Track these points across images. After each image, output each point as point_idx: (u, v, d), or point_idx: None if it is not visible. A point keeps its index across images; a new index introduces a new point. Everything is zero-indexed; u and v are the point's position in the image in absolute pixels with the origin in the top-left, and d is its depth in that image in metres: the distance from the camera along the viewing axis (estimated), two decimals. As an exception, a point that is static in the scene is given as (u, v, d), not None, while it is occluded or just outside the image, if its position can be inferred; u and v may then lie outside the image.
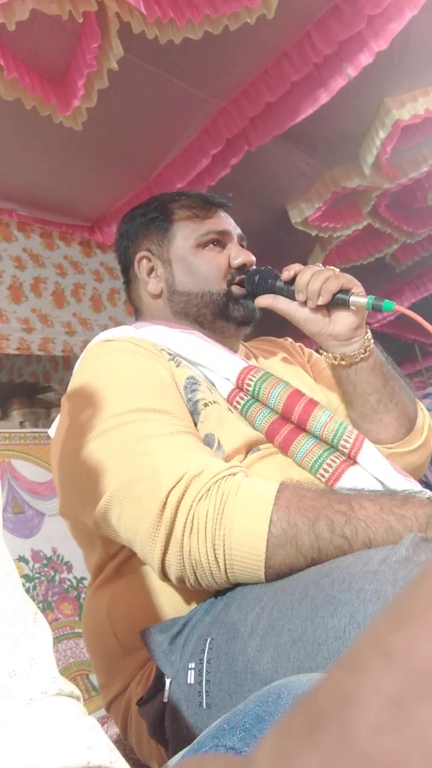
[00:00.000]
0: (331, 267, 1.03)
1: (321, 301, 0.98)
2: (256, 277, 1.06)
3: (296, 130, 2.61)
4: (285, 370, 1.14)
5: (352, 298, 0.97)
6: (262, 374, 0.95)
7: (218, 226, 1.10)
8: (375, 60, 2.33)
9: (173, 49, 2.04)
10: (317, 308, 1.00)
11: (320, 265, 1.03)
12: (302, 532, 0.70)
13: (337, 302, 0.99)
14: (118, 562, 0.89)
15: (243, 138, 2.65)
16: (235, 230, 1.13)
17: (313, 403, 0.92)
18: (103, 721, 1.15)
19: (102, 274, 3.32)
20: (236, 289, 1.08)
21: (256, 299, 1.06)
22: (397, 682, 0.18)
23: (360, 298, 0.97)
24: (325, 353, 1.05)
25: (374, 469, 0.87)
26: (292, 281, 1.02)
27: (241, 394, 0.95)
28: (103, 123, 2.43)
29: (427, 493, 0.79)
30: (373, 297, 0.97)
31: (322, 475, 0.86)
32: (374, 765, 0.17)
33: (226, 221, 1.12)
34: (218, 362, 0.98)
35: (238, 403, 0.95)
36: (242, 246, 1.13)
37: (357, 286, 1.00)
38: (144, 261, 1.13)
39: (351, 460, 0.88)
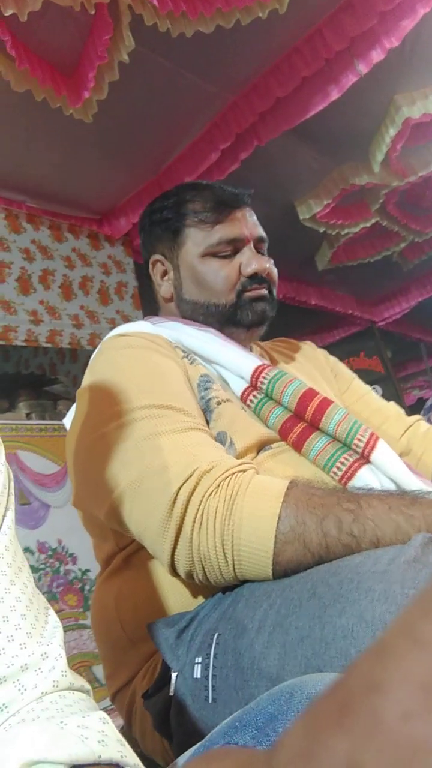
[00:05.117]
0: None
1: None
2: None
3: (306, 126, 2.61)
4: (300, 370, 1.14)
5: None
6: (276, 372, 0.95)
7: (230, 233, 1.05)
8: (386, 57, 2.32)
9: (185, 43, 2.04)
10: None
11: None
12: (310, 529, 0.70)
13: None
14: (127, 553, 0.89)
15: (253, 133, 2.64)
16: (253, 232, 1.08)
17: (326, 402, 0.92)
18: (107, 713, 1.15)
19: (110, 267, 3.32)
20: (249, 294, 1.05)
21: None
22: (427, 668, 0.18)
23: None
24: None
25: (388, 469, 0.87)
26: None
27: (255, 393, 0.95)
28: (114, 116, 2.42)
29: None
30: None
31: (335, 474, 0.86)
32: (404, 749, 0.17)
33: (241, 224, 1.07)
34: (232, 360, 0.97)
35: (251, 401, 0.95)
36: (259, 250, 1.09)
37: None
38: (158, 264, 1.12)
39: (364, 459, 0.88)
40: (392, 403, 1.22)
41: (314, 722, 0.20)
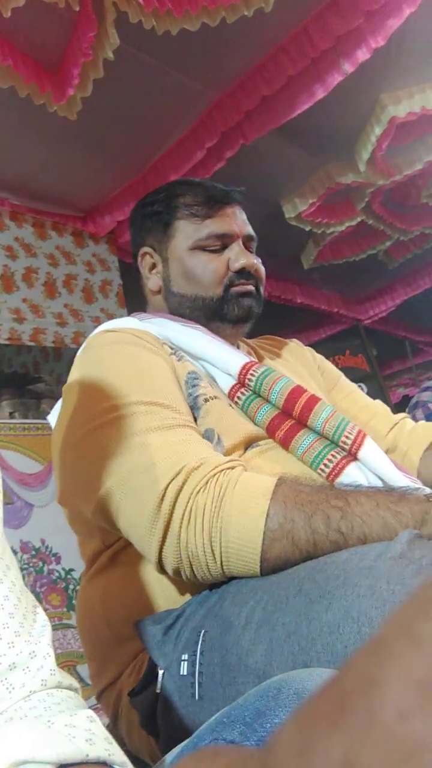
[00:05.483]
0: None
1: None
2: None
3: (292, 124, 2.61)
4: (288, 368, 1.14)
5: None
6: (264, 370, 0.96)
7: (220, 228, 1.06)
8: (372, 56, 2.33)
9: (170, 40, 2.03)
10: None
11: None
12: (298, 526, 0.70)
13: None
14: (113, 551, 0.89)
15: (238, 131, 2.64)
16: (242, 229, 1.09)
17: (314, 399, 0.92)
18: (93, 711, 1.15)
19: (94, 265, 3.31)
20: (236, 289, 1.05)
21: None
22: (424, 666, 0.18)
23: None
24: None
25: (375, 466, 0.87)
26: None
27: (243, 390, 0.95)
28: (98, 113, 2.41)
29: (425, 490, 0.80)
30: None
31: (323, 471, 0.86)
32: (400, 748, 0.17)
33: (231, 220, 1.07)
34: (220, 357, 0.97)
35: (239, 398, 0.95)
36: (248, 248, 1.10)
37: None
38: (147, 257, 1.12)
39: (352, 456, 0.88)
40: (378, 401, 1.23)
41: (309, 721, 0.20)
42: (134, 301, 1.20)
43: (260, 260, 1.10)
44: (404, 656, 0.19)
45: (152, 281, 1.11)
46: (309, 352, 1.29)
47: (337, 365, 1.30)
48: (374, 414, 1.17)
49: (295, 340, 1.31)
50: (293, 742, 0.20)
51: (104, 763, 0.39)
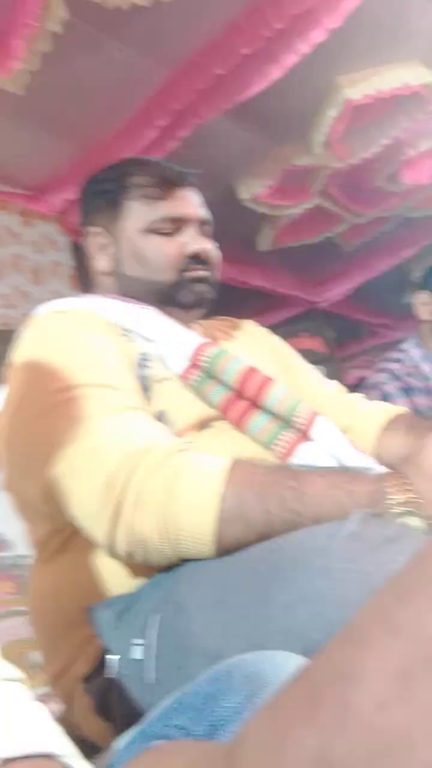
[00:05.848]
0: None
1: None
2: None
3: (247, 105, 2.58)
4: (242, 349, 1.13)
5: None
6: (218, 351, 0.94)
7: (174, 211, 1.03)
8: (328, 37, 2.31)
9: (121, 15, 1.98)
10: None
11: None
12: (252, 508, 0.70)
13: None
14: (63, 536, 0.87)
15: (192, 111, 2.60)
16: (197, 213, 1.06)
17: (267, 380, 0.92)
18: (45, 699, 1.14)
19: (43, 245, 3.22)
20: (189, 274, 1.03)
21: None
22: (404, 656, 0.17)
23: None
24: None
25: (328, 445, 0.88)
26: None
27: (196, 371, 0.93)
28: (48, 89, 2.34)
29: (378, 469, 0.80)
30: None
31: (276, 451, 0.86)
32: (379, 741, 0.16)
33: (185, 203, 1.05)
34: (172, 338, 0.96)
35: (192, 380, 0.93)
36: (203, 231, 1.07)
37: None
38: (97, 237, 1.08)
39: (305, 436, 0.88)
40: (334, 382, 1.23)
41: (280, 714, 0.19)
42: (88, 283, 1.17)
43: (215, 245, 1.08)
44: (382, 645, 0.18)
45: (102, 262, 1.08)
46: (263, 332, 1.28)
47: (295, 347, 1.30)
48: (328, 395, 1.17)
49: (250, 321, 1.30)
50: (264, 737, 0.18)
51: (50, 756, 0.37)
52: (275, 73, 2.44)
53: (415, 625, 0.18)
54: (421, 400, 1.69)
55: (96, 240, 1.08)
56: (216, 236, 1.11)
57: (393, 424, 1.11)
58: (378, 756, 0.16)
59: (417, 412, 1.63)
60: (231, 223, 3.36)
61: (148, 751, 0.31)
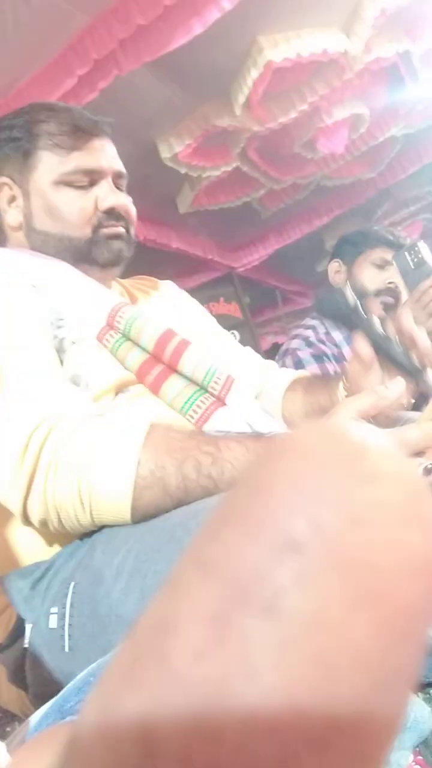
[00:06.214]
0: None
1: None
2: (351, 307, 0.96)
3: (169, 59, 2.51)
4: (161, 310, 1.11)
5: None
6: (134, 312, 0.92)
7: (87, 163, 0.97)
8: (251, -6, 2.27)
9: None
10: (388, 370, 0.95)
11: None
12: (169, 473, 0.70)
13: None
14: None
15: (113, 61, 2.49)
16: (112, 165, 1.00)
17: (185, 343, 0.91)
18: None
19: None
20: (105, 231, 0.98)
21: (356, 344, 0.95)
22: (217, 596, 0.16)
23: None
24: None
25: (242, 411, 0.88)
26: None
27: (112, 332, 0.90)
28: None
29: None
30: None
31: (192, 417, 0.86)
32: (196, 694, 0.15)
33: (99, 155, 0.99)
34: (88, 297, 0.92)
35: (107, 341, 0.90)
36: (118, 186, 1.02)
37: None
38: (5, 188, 1.00)
39: (220, 401, 0.88)
40: (248, 348, 1.24)
41: (105, 683, 0.17)
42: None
43: (131, 200, 1.04)
44: (194, 588, 0.17)
45: (11, 216, 1.01)
46: (181, 294, 1.27)
47: (211, 312, 1.30)
48: (242, 360, 1.18)
49: (168, 281, 1.28)
50: (93, 709, 0.17)
51: None
52: (198, 27, 2.38)
53: (223, 561, 0.17)
54: (332, 367, 1.74)
55: (4, 191, 1.01)
56: (135, 195, 1.07)
57: (292, 385, 1.14)
58: (197, 714, 0.15)
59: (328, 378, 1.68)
60: (151, 182, 3.29)
61: (29, 742, 0.30)
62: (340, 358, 1.79)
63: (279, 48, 2.69)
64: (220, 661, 0.15)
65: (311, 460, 0.18)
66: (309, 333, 1.86)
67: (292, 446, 0.19)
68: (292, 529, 0.17)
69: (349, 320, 1.71)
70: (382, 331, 0.93)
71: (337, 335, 1.85)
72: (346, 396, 1.00)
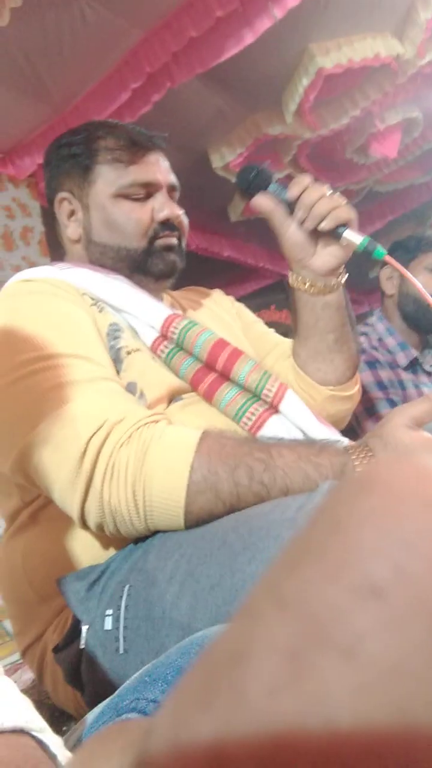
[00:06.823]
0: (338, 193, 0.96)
1: (323, 226, 0.92)
2: (253, 174, 0.97)
3: (220, 70, 2.53)
4: (212, 320, 1.12)
5: (347, 233, 0.93)
6: (187, 323, 0.94)
7: (144, 176, 1.00)
8: (302, 3, 2.27)
9: (92, -29, 1.90)
10: (310, 233, 0.96)
11: (330, 190, 0.96)
12: (222, 479, 0.71)
13: (333, 233, 0.93)
14: (33, 509, 0.87)
15: (165, 74, 2.54)
16: (166, 178, 1.04)
17: (237, 353, 0.92)
18: (17, 667, 1.15)
19: (14, 210, 3.13)
20: (160, 242, 1.01)
21: (253, 199, 0.98)
22: (293, 633, 0.16)
23: (356, 235, 0.93)
24: (294, 277, 1.02)
25: (296, 418, 0.88)
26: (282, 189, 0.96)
27: (166, 343, 0.93)
28: (19, 47, 2.25)
29: (344, 441, 0.82)
30: (369, 238, 0.92)
31: (245, 424, 0.87)
32: (271, 729, 0.15)
33: (155, 168, 1.02)
34: (143, 309, 0.95)
35: (162, 351, 0.93)
36: (171, 197, 1.05)
37: (354, 224, 0.94)
38: (65, 203, 1.05)
39: (273, 408, 0.89)
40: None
41: (179, 701, 0.18)
42: (60, 249, 1.14)
43: (183, 211, 1.07)
44: (270, 622, 0.17)
45: (71, 229, 1.05)
46: (232, 302, 1.28)
47: (262, 320, 1.30)
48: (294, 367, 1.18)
49: (217, 290, 1.30)
50: (165, 724, 0.17)
51: (22, 731, 0.38)
52: (249, 38, 2.40)
53: (302, 598, 0.17)
54: (385, 374, 1.72)
55: (65, 206, 1.05)
56: (188, 205, 1.09)
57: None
58: (271, 747, 0.15)
59: (380, 385, 1.66)
60: (203, 192, 3.33)
61: (96, 735, 0.31)
62: (393, 365, 1.77)
63: (330, 55, 2.68)
64: (297, 698, 0.15)
65: (394, 500, 0.18)
66: (361, 340, 1.84)
67: (374, 483, 0.19)
68: (375, 573, 0.17)
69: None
70: None
71: (390, 341, 1.83)
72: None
